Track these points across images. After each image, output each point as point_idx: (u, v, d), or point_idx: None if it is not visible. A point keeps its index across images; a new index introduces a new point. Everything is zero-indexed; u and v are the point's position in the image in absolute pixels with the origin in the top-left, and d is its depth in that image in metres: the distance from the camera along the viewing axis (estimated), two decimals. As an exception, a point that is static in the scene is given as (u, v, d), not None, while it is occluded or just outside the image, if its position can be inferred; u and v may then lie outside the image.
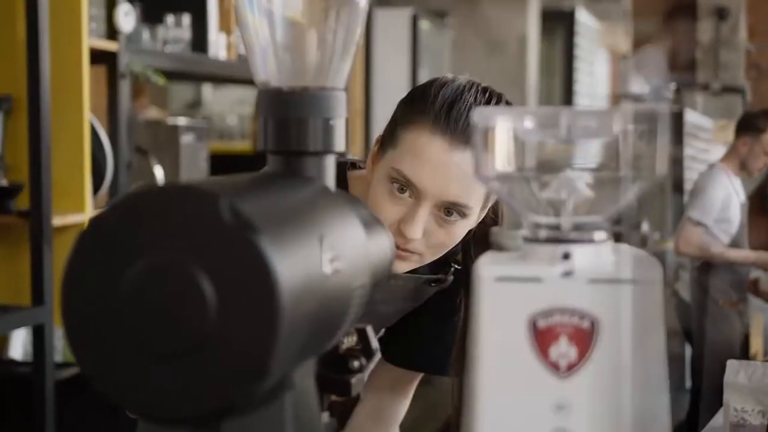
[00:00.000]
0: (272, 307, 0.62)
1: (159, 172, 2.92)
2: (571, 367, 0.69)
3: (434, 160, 1.21)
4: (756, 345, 6.82)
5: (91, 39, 2.54)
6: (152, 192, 0.63)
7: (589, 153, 0.74)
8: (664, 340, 0.70)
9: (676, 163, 7.20)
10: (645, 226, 6.48)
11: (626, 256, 0.73)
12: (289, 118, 0.81)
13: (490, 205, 1.33)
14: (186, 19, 3.00)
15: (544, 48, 6.88)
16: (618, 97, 9.58)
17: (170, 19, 3.01)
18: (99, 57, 2.63)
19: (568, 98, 7.40)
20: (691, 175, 7.29)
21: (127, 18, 2.65)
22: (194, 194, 0.63)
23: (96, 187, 2.59)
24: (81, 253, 0.65)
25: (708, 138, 7.90)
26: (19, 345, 2.66)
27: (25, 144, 2.39)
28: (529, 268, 0.70)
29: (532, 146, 0.73)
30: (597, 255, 0.71)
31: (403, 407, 1.51)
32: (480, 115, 0.72)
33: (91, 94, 2.58)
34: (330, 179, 0.83)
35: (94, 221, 0.64)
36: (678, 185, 7.27)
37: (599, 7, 9.01)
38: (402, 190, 1.25)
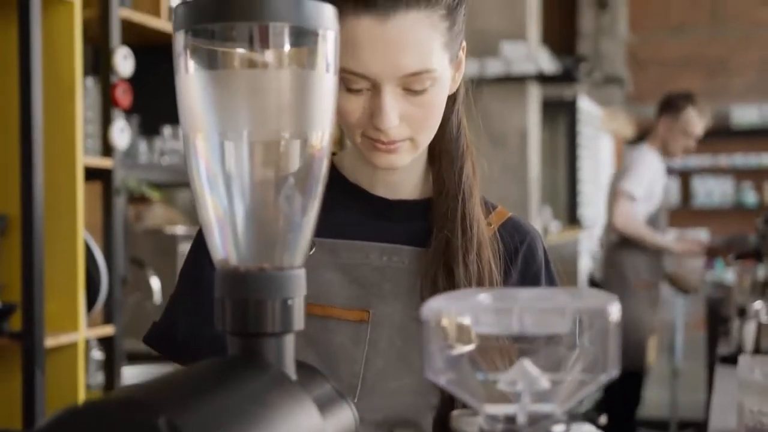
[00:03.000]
0: None
1: (156, 284, 2.91)
2: None
3: (369, 40, 1.10)
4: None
5: (86, 157, 2.55)
6: (89, 408, 0.62)
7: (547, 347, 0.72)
8: None
9: (571, 148, 7.24)
10: (547, 212, 6.47)
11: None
12: (247, 299, 0.81)
13: (460, 54, 1.22)
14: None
15: (546, 137, 6.92)
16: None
17: (167, 130, 3.04)
18: (94, 174, 2.64)
19: (571, 185, 7.41)
20: (581, 164, 7.33)
21: (122, 135, 2.67)
22: (131, 410, 0.62)
23: (90, 304, 2.59)
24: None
25: (597, 125, 7.96)
26: (11, 466, 2.62)
27: (19, 263, 2.39)
28: (483, 468, 0.68)
29: (486, 338, 0.72)
30: (554, 451, 0.69)
31: None
32: (430, 309, 0.71)
33: (86, 209, 2.59)
34: (289, 359, 0.82)
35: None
36: (572, 173, 7.29)
37: (601, 92, 9.11)
38: (357, 88, 1.13)
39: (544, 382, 0.71)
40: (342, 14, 1.11)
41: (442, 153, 1.27)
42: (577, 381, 0.71)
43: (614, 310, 0.69)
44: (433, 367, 0.71)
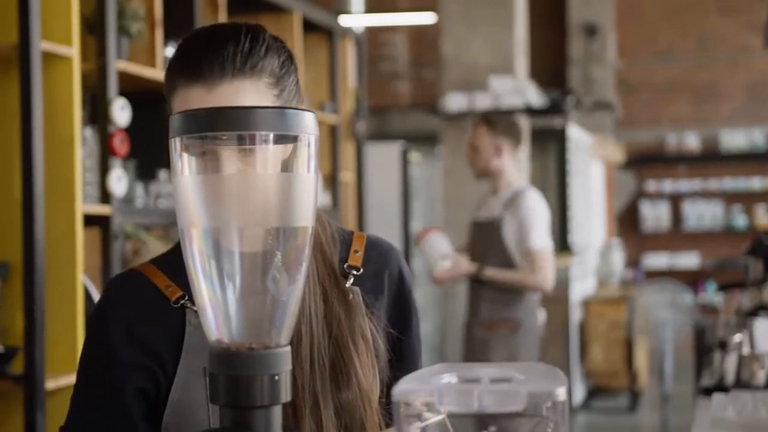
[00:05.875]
0: None
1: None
2: None
3: (197, 107, 1.17)
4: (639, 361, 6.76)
5: (85, 205, 2.65)
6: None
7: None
8: None
9: (561, 176, 7.30)
10: None
11: None
12: (238, 375, 0.90)
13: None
14: (178, 174, 3.12)
15: (536, 165, 7.02)
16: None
17: (163, 174, 3.14)
18: (93, 220, 2.74)
19: (562, 212, 7.51)
20: (572, 191, 7.40)
21: (119, 182, 2.77)
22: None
23: (89, 346, 2.67)
24: None
25: (588, 152, 8.05)
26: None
27: (21, 308, 2.48)
28: None
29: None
30: None
31: None
32: (400, 390, 0.80)
33: (85, 253, 2.68)
34: (276, 428, 0.91)
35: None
36: (563, 200, 7.36)
37: (591, 119, 9.23)
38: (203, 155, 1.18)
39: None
40: (177, 86, 1.21)
41: None
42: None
43: (561, 392, 0.78)
44: (403, 442, 0.80)
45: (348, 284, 1.30)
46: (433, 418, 0.83)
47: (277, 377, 0.90)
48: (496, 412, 0.80)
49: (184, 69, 1.20)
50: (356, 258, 1.33)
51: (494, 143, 3.97)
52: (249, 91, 1.20)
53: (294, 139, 0.90)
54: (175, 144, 0.89)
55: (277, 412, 0.91)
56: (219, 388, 0.91)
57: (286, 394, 0.91)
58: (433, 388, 0.81)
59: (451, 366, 0.88)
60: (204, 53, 1.19)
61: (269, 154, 0.89)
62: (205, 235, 0.91)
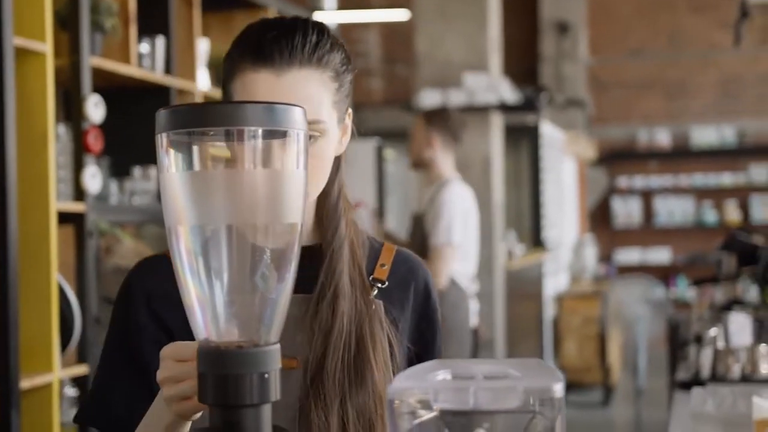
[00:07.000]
0: None
1: (127, 322, 2.96)
2: None
3: (266, 91, 1.19)
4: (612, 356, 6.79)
5: (58, 202, 2.61)
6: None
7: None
8: None
9: (535, 172, 7.35)
10: (511, 237, 6.52)
11: None
12: (227, 374, 0.89)
13: (347, 120, 1.29)
14: (153, 170, 3.10)
15: (509, 162, 7.04)
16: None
17: (137, 171, 3.11)
18: (67, 217, 2.71)
19: (535, 209, 7.54)
20: (545, 188, 7.46)
21: (93, 179, 2.74)
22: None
23: (64, 344, 2.64)
24: None
25: (560, 148, 8.12)
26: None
27: (-6, 308, 2.45)
28: None
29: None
30: None
31: None
32: (394, 389, 0.79)
33: (59, 251, 2.65)
34: (266, 427, 0.90)
35: None
36: (536, 197, 7.41)
37: (563, 115, 9.27)
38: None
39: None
40: (241, 71, 1.21)
41: (327, 212, 1.31)
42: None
43: (558, 388, 0.78)
44: (397, 440, 0.79)
45: (372, 296, 1.29)
46: (426, 416, 0.82)
47: (266, 375, 0.89)
48: (491, 409, 0.79)
49: (252, 53, 1.21)
50: (382, 271, 1.32)
51: (426, 136, 3.98)
52: (315, 80, 1.21)
53: (283, 135, 0.89)
54: (162, 140, 0.88)
55: (266, 411, 0.90)
56: (207, 387, 0.89)
57: (275, 393, 0.90)
58: (429, 386, 0.80)
59: (445, 362, 0.88)
60: (275, 39, 1.20)
61: (257, 149, 0.88)
62: (192, 232, 0.89)
